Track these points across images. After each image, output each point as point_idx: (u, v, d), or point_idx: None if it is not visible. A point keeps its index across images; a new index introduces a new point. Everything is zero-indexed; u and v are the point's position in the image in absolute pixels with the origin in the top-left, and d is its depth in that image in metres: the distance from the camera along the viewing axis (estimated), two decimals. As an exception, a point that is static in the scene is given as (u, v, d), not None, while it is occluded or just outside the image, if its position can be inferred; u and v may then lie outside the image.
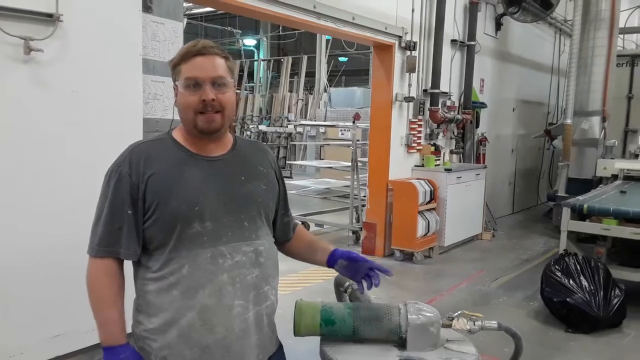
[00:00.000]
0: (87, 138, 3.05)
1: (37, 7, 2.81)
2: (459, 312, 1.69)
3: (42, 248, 2.88)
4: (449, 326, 1.66)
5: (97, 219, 1.53)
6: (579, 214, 4.90)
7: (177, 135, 1.61)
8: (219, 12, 14.72)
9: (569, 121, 7.22)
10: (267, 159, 1.73)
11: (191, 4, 8.69)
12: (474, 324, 1.66)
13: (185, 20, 3.71)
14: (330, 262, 1.79)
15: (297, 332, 1.62)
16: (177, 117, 1.65)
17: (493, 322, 1.68)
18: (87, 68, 3.06)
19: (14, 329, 2.84)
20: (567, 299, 4.11)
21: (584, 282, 4.15)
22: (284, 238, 1.82)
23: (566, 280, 4.19)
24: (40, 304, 2.92)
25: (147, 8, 3.40)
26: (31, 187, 2.86)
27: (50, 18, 2.85)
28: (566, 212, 4.92)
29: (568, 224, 4.89)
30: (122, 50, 3.23)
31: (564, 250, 4.69)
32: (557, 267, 4.31)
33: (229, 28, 18.13)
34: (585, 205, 4.81)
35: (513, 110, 9.29)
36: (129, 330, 1.59)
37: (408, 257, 6.15)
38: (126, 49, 3.25)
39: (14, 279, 2.82)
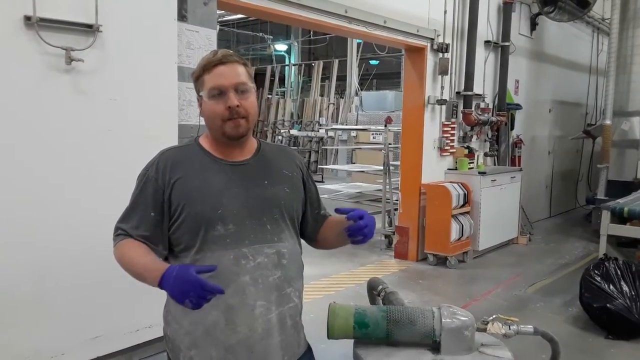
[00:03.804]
0: (124, 144, 3.14)
1: (78, 19, 2.91)
2: (494, 316, 1.67)
3: (81, 250, 2.97)
4: (484, 330, 1.64)
5: (120, 217, 1.62)
6: (619, 218, 4.78)
7: (203, 141, 1.67)
8: (251, 18, 14.90)
9: (608, 122, 7.03)
10: (293, 162, 1.76)
11: (223, 11, 8.83)
12: (510, 329, 1.64)
13: (218, 27, 3.78)
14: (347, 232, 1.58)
15: (330, 335, 1.63)
16: (203, 124, 1.69)
17: (529, 326, 1.66)
18: (125, 76, 3.15)
19: (54, 330, 2.93)
20: (607, 305, 4.00)
21: (625, 288, 4.02)
22: (315, 232, 1.82)
23: (606, 286, 4.08)
24: (80, 305, 3.01)
25: (182, 17, 3.48)
26: (72, 191, 2.97)
27: (90, 29, 2.95)
28: (606, 216, 4.80)
29: (608, 227, 4.77)
30: (159, 59, 3.31)
31: (604, 254, 4.57)
32: (596, 272, 4.19)
33: (260, 34, 18.34)
34: (626, 209, 4.69)
35: (549, 111, 9.09)
36: (160, 333, 1.64)
37: (442, 261, 6.09)
38: (162, 58, 3.33)
39: (54, 281, 2.92)
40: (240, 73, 1.57)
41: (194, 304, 1.35)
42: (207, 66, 1.57)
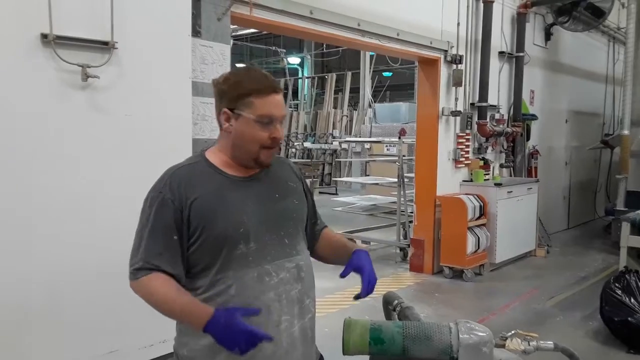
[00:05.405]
0: (139, 159, 3.16)
1: (94, 36, 2.96)
2: (513, 331, 1.63)
3: (96, 263, 2.99)
4: (503, 346, 1.60)
5: (137, 245, 1.52)
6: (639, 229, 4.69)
7: (212, 157, 1.62)
8: (264, 32, 15.05)
9: (626, 132, 6.95)
10: (294, 173, 1.77)
11: (236, 26, 8.93)
12: (529, 344, 1.60)
13: (232, 41, 3.82)
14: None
15: (345, 351, 1.60)
16: (216, 137, 1.68)
17: (549, 342, 1.61)
18: (140, 92, 3.18)
19: (69, 345, 2.94)
20: (629, 319, 3.92)
21: (647, 301, 3.94)
22: (312, 244, 1.83)
23: (627, 299, 3.99)
24: (95, 319, 3.02)
25: (196, 33, 3.52)
26: (86, 206, 2.99)
27: (105, 46, 3.00)
28: (626, 227, 4.71)
29: (628, 239, 4.68)
30: (173, 74, 3.34)
31: (624, 267, 4.48)
32: (617, 284, 4.11)
33: (274, 47, 18.49)
34: (646, 220, 4.61)
35: (566, 121, 9.01)
36: (170, 349, 1.63)
37: (458, 274, 6.01)
38: (177, 73, 3.36)
39: (68, 295, 2.93)
40: (284, 104, 1.62)
41: (243, 350, 1.39)
42: (262, 91, 1.53)
